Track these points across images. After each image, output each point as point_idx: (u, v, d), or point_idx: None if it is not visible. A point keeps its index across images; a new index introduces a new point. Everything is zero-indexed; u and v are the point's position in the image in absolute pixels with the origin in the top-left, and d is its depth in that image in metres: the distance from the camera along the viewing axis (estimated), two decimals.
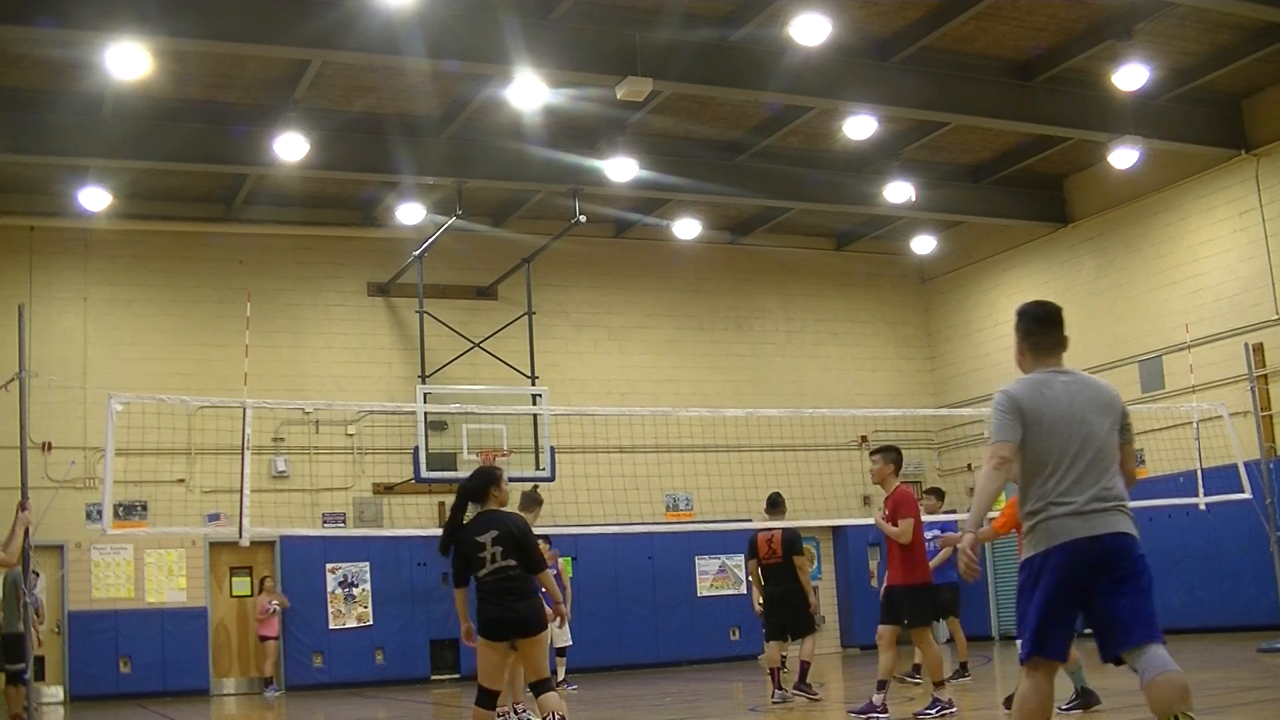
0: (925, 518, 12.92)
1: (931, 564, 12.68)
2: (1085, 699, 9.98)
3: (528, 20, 14.91)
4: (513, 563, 7.82)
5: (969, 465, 24.03)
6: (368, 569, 20.38)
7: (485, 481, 8.15)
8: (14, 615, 13.57)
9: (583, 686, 16.95)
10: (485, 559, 7.82)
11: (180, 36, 14.25)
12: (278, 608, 19.63)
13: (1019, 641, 5.35)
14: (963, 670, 14.20)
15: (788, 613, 13.11)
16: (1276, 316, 18.69)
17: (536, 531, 13.61)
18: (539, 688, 7.97)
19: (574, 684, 17.28)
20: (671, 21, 15.41)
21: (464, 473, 19.17)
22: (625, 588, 20.56)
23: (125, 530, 18.13)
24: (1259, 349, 18.52)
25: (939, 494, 15.40)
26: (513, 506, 12.29)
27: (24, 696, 14.03)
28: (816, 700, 12.76)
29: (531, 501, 12.38)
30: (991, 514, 9.59)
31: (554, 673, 17.50)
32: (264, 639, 19.70)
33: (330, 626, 20.10)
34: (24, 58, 15.45)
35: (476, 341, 20.83)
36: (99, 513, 17.53)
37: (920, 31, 16.12)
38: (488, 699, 7.91)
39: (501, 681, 8.19)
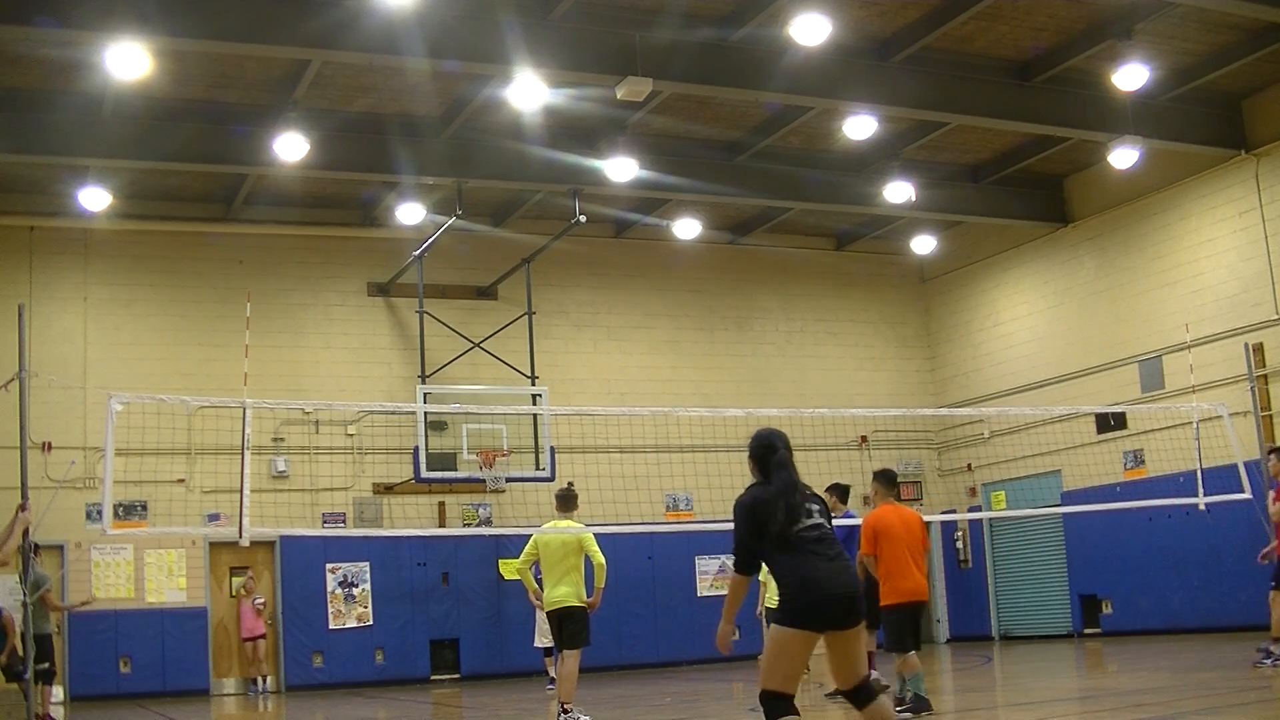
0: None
1: None
2: (918, 705, 10.11)
3: (528, 20, 14.91)
4: (829, 528, 6.02)
5: (969, 465, 24.03)
6: (368, 569, 20.39)
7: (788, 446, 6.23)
8: (42, 617, 13.61)
9: (583, 686, 16.90)
10: (801, 511, 5.97)
11: (180, 36, 14.24)
12: (244, 590, 19.81)
13: None
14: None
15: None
16: (1276, 316, 18.68)
17: (525, 531, 13.47)
18: (863, 694, 6.02)
19: None
20: (671, 21, 15.41)
21: (463, 473, 19.25)
22: (625, 588, 20.50)
23: (125, 530, 18.13)
24: (1259, 349, 18.52)
25: (841, 491, 13.27)
26: (547, 505, 12.19)
27: (45, 696, 14.09)
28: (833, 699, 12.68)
29: (569, 500, 11.76)
30: None
31: (545, 672, 17.58)
32: (248, 640, 19.70)
33: (330, 626, 20.10)
34: (24, 58, 15.45)
35: (476, 341, 20.83)
36: (99, 513, 17.58)
37: (920, 31, 16.12)
38: (788, 707, 5.88)
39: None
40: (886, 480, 10.76)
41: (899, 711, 10.21)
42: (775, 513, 5.94)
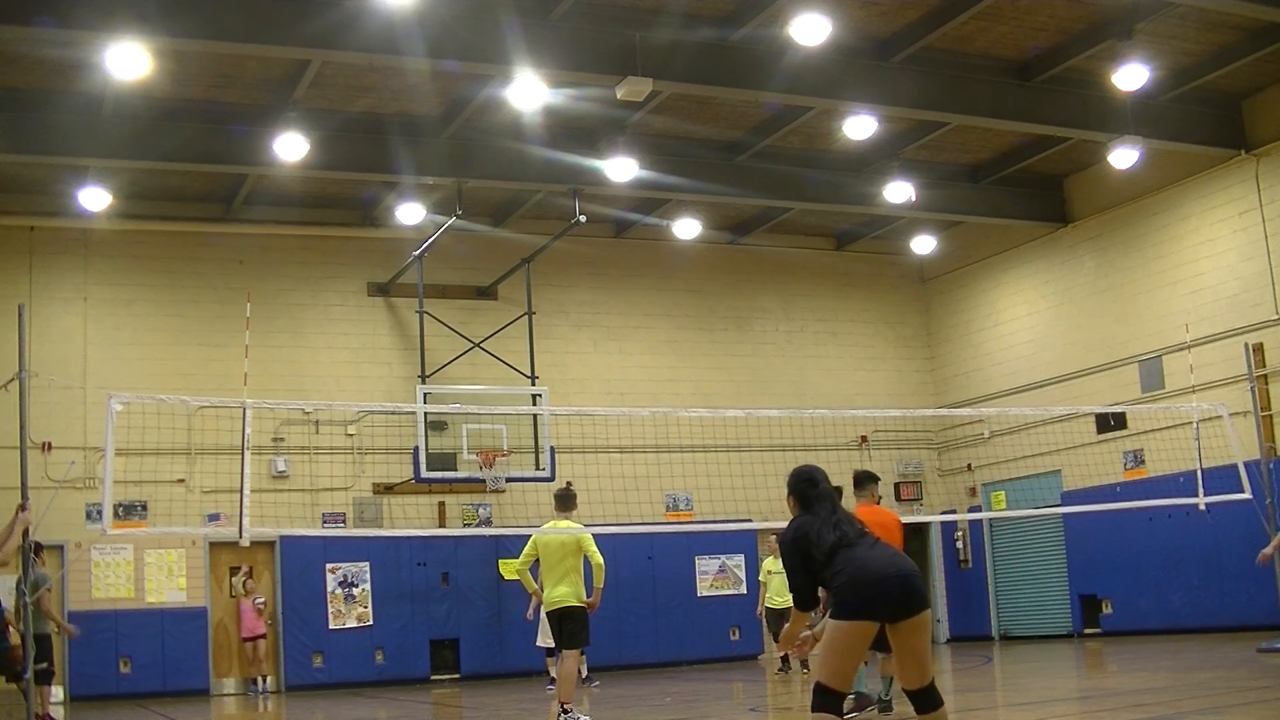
0: None
1: None
2: (860, 701, 10.16)
3: (528, 20, 14.91)
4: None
5: (969, 465, 24.03)
6: (368, 569, 20.39)
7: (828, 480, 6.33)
8: (41, 617, 13.61)
9: (583, 686, 16.94)
10: (849, 523, 6.04)
11: (180, 36, 14.24)
12: (243, 589, 19.81)
13: None
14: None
15: None
16: (1276, 316, 18.68)
17: (525, 531, 13.42)
18: (928, 698, 5.81)
19: (596, 680, 17.43)
20: (671, 21, 15.41)
21: (463, 473, 19.26)
22: (625, 588, 20.52)
23: (125, 530, 18.13)
24: (1259, 349, 18.52)
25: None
26: (547, 505, 12.12)
27: (45, 696, 14.09)
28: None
29: (568, 500, 11.62)
30: None
31: (545, 672, 17.59)
32: (248, 640, 19.68)
33: (330, 626, 20.10)
34: (24, 58, 15.45)
35: (476, 341, 20.83)
36: (99, 513, 17.58)
37: (920, 31, 16.12)
38: (832, 704, 5.72)
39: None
40: (858, 482, 10.89)
41: (882, 710, 10.28)
42: (824, 530, 5.92)
